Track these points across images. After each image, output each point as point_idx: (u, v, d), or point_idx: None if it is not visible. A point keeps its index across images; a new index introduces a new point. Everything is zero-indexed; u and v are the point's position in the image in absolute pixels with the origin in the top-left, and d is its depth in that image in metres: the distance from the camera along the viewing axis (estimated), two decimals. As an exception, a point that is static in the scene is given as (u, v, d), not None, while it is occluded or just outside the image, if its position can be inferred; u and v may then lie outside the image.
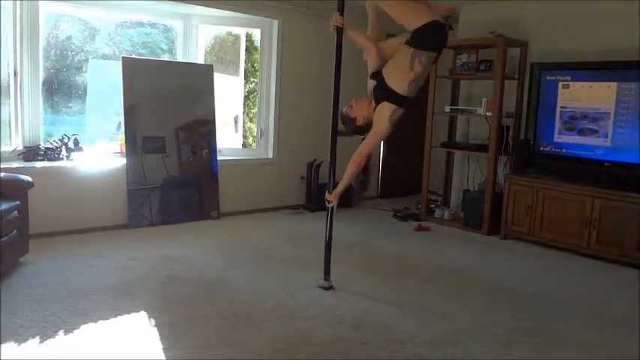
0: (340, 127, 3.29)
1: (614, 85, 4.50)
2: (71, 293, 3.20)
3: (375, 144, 3.16)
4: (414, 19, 2.90)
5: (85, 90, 4.97)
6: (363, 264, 4.13)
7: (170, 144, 5.10)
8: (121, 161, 4.83)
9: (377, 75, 3.07)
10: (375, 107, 3.05)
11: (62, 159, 4.57)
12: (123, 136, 4.89)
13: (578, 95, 4.73)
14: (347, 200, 6.00)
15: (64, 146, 4.61)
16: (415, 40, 2.90)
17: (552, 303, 3.46)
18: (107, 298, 3.15)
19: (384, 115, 3.00)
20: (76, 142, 4.70)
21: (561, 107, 4.82)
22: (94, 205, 4.62)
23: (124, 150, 4.85)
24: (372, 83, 3.12)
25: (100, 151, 4.97)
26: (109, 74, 5.01)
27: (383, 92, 3.00)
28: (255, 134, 5.98)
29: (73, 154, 4.64)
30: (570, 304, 3.47)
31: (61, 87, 4.84)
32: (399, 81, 2.96)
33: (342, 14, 3.16)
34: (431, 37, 2.92)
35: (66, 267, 3.66)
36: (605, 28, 4.82)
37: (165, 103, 5.08)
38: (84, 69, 4.99)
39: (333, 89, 3.25)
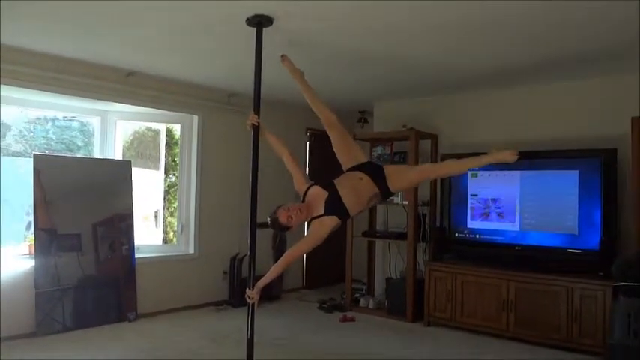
0: (260, 219, 3.27)
1: (517, 173, 4.84)
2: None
3: (311, 247, 3.13)
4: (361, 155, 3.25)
5: (-10, 189, 4.73)
6: (288, 361, 4.01)
7: (87, 241, 4.89)
8: (30, 263, 4.54)
9: (331, 187, 3.06)
10: (322, 215, 3.01)
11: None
12: (32, 237, 4.64)
13: (486, 183, 5.03)
14: (272, 292, 5.91)
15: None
16: (383, 189, 3.08)
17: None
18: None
19: (329, 225, 3.01)
20: (-22, 246, 4.41)
21: (472, 195, 5.09)
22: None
23: (33, 251, 4.58)
24: (319, 190, 3.07)
25: (5, 254, 4.63)
26: (20, 172, 4.82)
27: (337, 207, 3.02)
28: (176, 229, 5.85)
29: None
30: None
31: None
32: (353, 204, 3.04)
33: (257, 113, 3.26)
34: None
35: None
36: (507, 121, 5.26)
37: (82, 199, 4.91)
38: (-9, 167, 4.77)
39: (251, 186, 3.28)
